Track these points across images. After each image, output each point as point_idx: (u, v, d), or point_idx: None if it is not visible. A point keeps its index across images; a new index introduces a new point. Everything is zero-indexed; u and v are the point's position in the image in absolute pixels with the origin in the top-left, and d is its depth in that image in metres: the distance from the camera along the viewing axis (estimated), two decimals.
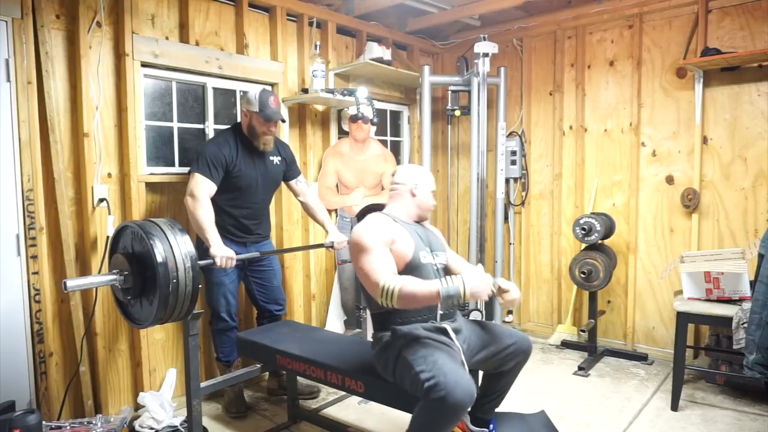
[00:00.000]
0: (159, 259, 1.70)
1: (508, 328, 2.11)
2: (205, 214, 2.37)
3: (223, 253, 2.27)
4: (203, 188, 2.43)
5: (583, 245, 3.41)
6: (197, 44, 2.85)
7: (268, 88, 2.84)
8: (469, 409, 2.00)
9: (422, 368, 1.70)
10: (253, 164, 2.64)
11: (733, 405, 2.74)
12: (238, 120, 2.83)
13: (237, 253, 2.33)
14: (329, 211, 3.57)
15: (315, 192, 2.97)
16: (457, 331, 1.92)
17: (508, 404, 2.75)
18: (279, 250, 3.08)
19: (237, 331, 2.74)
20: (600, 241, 3.36)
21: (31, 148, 2.29)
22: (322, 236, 3.55)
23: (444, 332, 1.88)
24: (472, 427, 2.06)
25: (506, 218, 4.03)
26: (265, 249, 2.76)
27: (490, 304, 3.77)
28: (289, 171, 2.85)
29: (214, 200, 2.62)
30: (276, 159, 2.75)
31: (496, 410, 2.31)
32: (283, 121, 2.70)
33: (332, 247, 2.76)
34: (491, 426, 2.10)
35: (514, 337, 2.02)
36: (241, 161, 2.59)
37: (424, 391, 1.65)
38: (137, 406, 2.58)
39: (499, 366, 2.02)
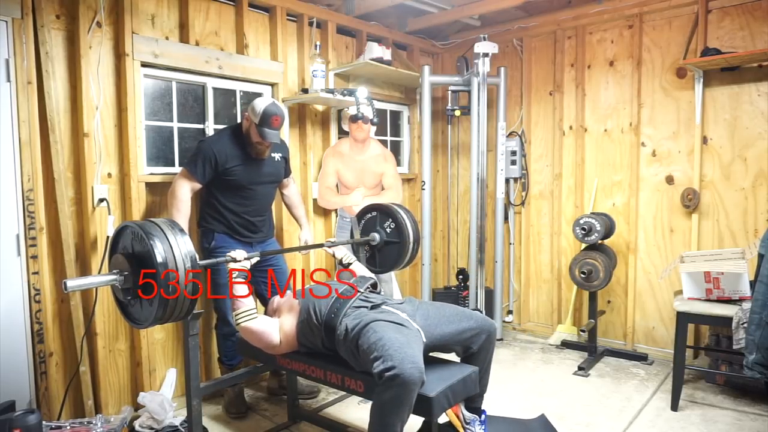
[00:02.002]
0: (159, 259, 1.70)
1: (471, 311, 2.17)
2: (177, 213, 2.47)
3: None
4: (185, 186, 2.52)
5: (583, 245, 3.41)
6: (197, 44, 2.85)
7: (278, 102, 2.83)
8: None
9: (375, 355, 1.76)
10: (255, 161, 2.65)
11: (733, 405, 2.74)
12: (239, 119, 2.84)
13: None
14: (329, 212, 3.59)
15: (297, 191, 3.10)
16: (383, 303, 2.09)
17: (508, 404, 2.77)
18: (279, 250, 3.08)
19: None
20: (600, 241, 3.35)
21: (31, 148, 2.29)
22: (322, 236, 3.56)
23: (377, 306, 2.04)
24: (466, 413, 2.10)
25: (506, 218, 4.03)
26: (270, 249, 2.80)
27: (490, 305, 3.77)
28: (286, 168, 2.90)
29: (218, 199, 2.63)
30: (277, 156, 2.78)
31: (498, 415, 2.30)
32: (279, 142, 2.74)
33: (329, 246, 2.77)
34: (483, 415, 2.12)
35: (476, 316, 2.10)
36: (242, 158, 2.61)
37: (376, 375, 1.71)
38: (137, 406, 2.57)
39: (466, 345, 2.06)
